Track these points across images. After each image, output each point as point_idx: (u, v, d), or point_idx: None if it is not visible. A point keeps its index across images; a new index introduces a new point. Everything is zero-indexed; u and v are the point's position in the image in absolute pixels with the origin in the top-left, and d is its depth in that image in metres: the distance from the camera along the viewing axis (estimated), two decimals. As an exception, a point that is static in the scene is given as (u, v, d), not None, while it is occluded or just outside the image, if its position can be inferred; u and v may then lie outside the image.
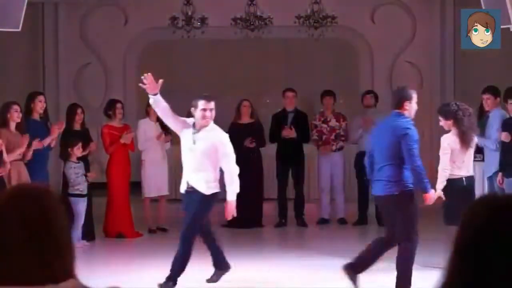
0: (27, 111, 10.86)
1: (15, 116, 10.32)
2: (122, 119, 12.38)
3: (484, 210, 1.98)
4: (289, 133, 13.02)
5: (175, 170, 13.25)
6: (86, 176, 11.32)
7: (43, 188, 2.25)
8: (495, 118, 10.70)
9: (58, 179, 11.99)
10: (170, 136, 12.69)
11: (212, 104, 8.75)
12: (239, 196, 13.73)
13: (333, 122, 13.34)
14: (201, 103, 8.64)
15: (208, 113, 8.68)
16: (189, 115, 12.94)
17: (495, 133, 10.57)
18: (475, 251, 1.92)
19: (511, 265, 1.89)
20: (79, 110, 12.02)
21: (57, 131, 11.07)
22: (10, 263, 2.12)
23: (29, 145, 10.42)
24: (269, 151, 13.27)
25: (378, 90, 14.32)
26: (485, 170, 10.87)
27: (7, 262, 2.12)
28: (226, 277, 9.38)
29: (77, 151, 11.32)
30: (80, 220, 10.94)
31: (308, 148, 13.54)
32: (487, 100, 10.84)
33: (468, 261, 1.93)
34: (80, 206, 10.95)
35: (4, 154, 9.93)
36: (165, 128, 12.72)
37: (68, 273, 2.15)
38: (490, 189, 10.65)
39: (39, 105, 11.04)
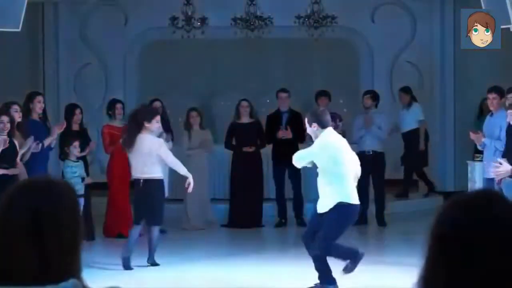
0: (26, 112, 10.85)
1: (16, 116, 10.30)
2: (123, 119, 12.38)
3: (459, 207, 1.98)
4: (285, 133, 13.01)
5: (176, 170, 13.24)
6: (83, 179, 11.29)
7: (52, 181, 2.22)
8: (503, 119, 10.46)
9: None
10: (170, 136, 12.69)
11: None
12: (239, 196, 13.77)
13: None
14: None
15: None
16: (188, 115, 13.03)
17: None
18: (452, 247, 1.93)
19: (488, 261, 1.90)
20: (77, 110, 12.02)
21: (57, 131, 11.06)
22: (11, 259, 2.11)
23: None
24: (269, 151, 13.29)
25: (378, 90, 14.31)
26: (484, 171, 10.74)
27: (8, 258, 2.11)
28: (226, 277, 9.39)
29: (74, 150, 11.32)
30: None
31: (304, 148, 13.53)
32: (493, 100, 10.55)
33: (447, 255, 1.93)
34: None
35: (19, 155, 9.97)
36: (167, 128, 12.73)
37: (70, 272, 2.13)
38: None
39: (38, 106, 11.01)
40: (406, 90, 14.75)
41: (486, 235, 1.90)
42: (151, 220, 9.97)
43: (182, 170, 10.16)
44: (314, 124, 8.53)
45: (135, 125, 9.88)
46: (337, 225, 8.41)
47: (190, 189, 10.15)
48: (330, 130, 8.57)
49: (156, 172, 9.93)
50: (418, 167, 14.86)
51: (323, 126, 8.52)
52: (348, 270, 8.56)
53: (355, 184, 8.60)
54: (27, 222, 2.12)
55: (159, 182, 9.98)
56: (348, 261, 8.55)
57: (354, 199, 8.44)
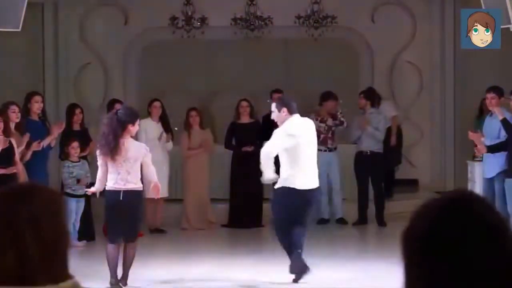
0: (25, 112, 10.86)
1: (13, 116, 10.32)
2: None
3: (429, 212, 1.96)
4: None
5: (176, 170, 13.25)
6: (78, 181, 11.28)
7: (35, 187, 2.22)
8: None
9: (58, 179, 11.99)
10: (170, 136, 12.70)
11: None
12: (239, 196, 13.75)
13: (330, 122, 13.34)
14: None
15: None
16: (188, 115, 13.03)
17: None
18: (425, 254, 1.92)
19: (462, 265, 1.89)
20: (77, 110, 12.01)
21: (57, 131, 11.07)
22: None
23: (28, 146, 10.45)
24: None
25: (378, 90, 14.31)
26: (484, 171, 10.73)
27: None
28: (226, 277, 9.39)
29: (72, 150, 11.31)
30: (71, 219, 10.93)
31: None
32: (492, 100, 10.54)
33: (421, 266, 1.93)
34: (71, 206, 10.96)
35: (16, 154, 9.98)
36: (166, 129, 12.72)
37: (53, 277, 2.12)
38: (489, 190, 10.45)
39: (36, 106, 11.02)
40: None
41: (465, 235, 1.89)
42: (129, 236, 8.87)
43: (155, 178, 8.99)
44: (284, 109, 8.88)
45: (119, 128, 8.66)
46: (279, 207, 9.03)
47: (153, 195, 9.27)
48: (297, 116, 8.98)
49: (139, 182, 8.81)
50: (393, 163, 14.72)
51: (291, 112, 8.90)
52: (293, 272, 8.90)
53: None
54: (7, 226, 2.12)
55: (141, 193, 8.98)
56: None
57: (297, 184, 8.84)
